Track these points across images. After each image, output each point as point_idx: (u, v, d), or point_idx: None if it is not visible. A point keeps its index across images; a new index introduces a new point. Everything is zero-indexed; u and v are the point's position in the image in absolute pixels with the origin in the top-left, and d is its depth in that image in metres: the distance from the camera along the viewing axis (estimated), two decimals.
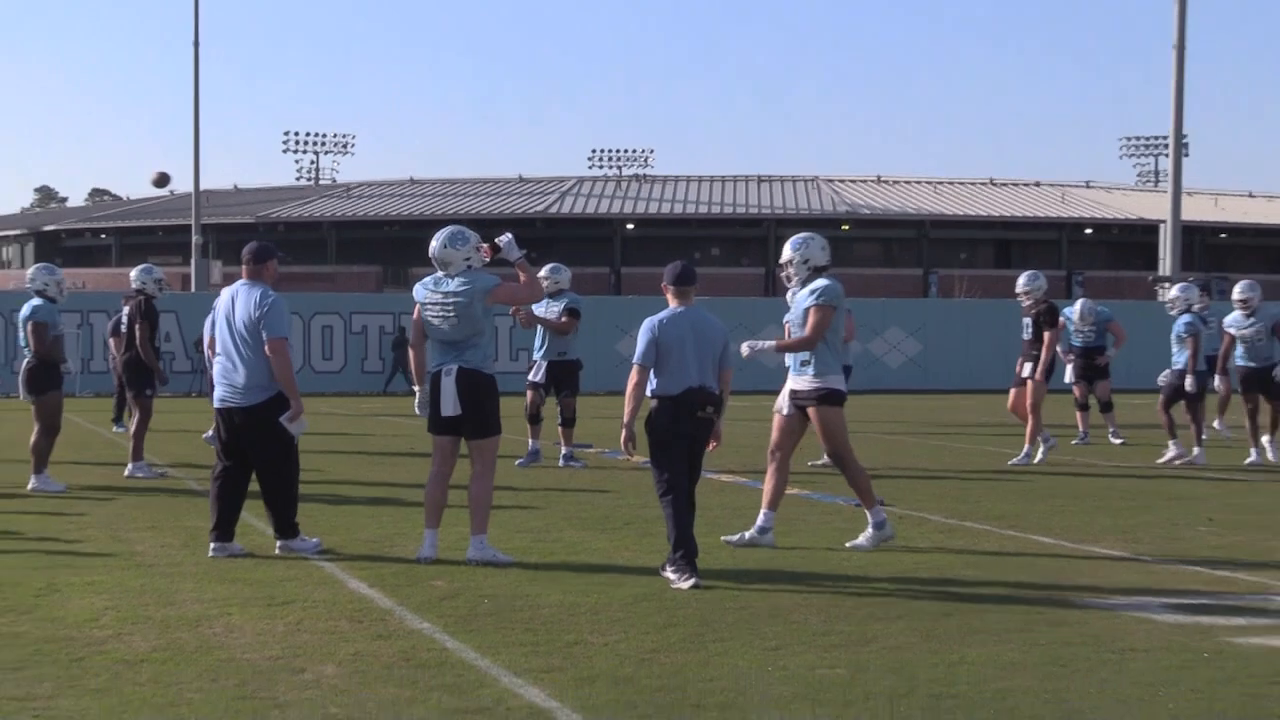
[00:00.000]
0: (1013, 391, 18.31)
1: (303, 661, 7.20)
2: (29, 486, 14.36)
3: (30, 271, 15.40)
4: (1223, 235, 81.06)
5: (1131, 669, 7.16)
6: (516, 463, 16.86)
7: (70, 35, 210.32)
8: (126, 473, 15.67)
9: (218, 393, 10.57)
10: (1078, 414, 21.48)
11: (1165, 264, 50.05)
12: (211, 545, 10.39)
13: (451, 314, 10.08)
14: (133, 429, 16.21)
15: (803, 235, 11.50)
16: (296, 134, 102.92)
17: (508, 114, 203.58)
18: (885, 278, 73.02)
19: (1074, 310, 21.40)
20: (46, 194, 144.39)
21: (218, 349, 10.62)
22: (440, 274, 10.28)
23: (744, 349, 11.03)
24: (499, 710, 6.32)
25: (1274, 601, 9.01)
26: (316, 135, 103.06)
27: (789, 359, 11.10)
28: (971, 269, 73.84)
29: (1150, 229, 67.50)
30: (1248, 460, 17.91)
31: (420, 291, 10.21)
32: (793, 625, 8.14)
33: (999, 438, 21.95)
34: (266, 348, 10.33)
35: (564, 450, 17.30)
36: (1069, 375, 21.10)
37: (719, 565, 10.12)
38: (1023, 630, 8.02)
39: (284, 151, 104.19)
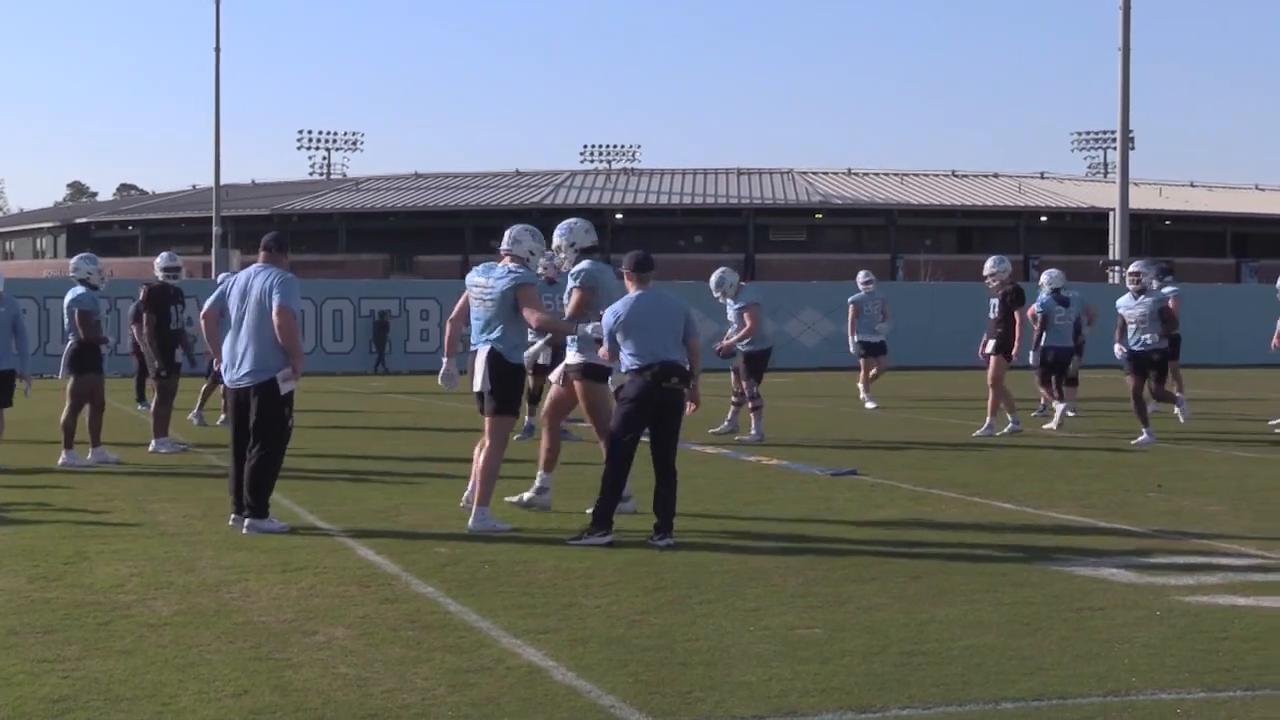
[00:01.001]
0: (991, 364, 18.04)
1: (315, 624, 7.13)
2: (59, 462, 14.26)
3: (74, 261, 15.45)
4: (1167, 222, 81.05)
5: (1090, 626, 7.11)
6: (515, 437, 16.72)
7: (100, 42, 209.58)
8: (151, 448, 15.56)
9: (229, 373, 10.42)
10: (1040, 388, 21.36)
11: (1115, 249, 50.05)
12: (232, 517, 10.27)
13: (489, 300, 10.31)
14: (152, 408, 16.11)
15: (569, 220, 11.44)
16: (309, 132, 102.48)
17: (505, 112, 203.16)
18: (855, 262, 72.57)
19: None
20: (78, 189, 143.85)
21: (231, 329, 10.42)
22: (495, 262, 10.62)
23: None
24: (499, 669, 6.25)
25: (1220, 562, 8.96)
26: (328, 133, 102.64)
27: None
28: (936, 254, 73.69)
29: (1100, 217, 67.44)
30: (1137, 440, 16.49)
31: (471, 275, 10.60)
32: (773, 588, 8.08)
33: (963, 411, 21.89)
34: (274, 313, 10.10)
35: (527, 420, 17.04)
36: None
37: (704, 533, 10.07)
38: (988, 591, 7.96)
39: (298, 148, 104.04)
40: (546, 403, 11.35)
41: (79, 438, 14.51)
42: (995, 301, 18.23)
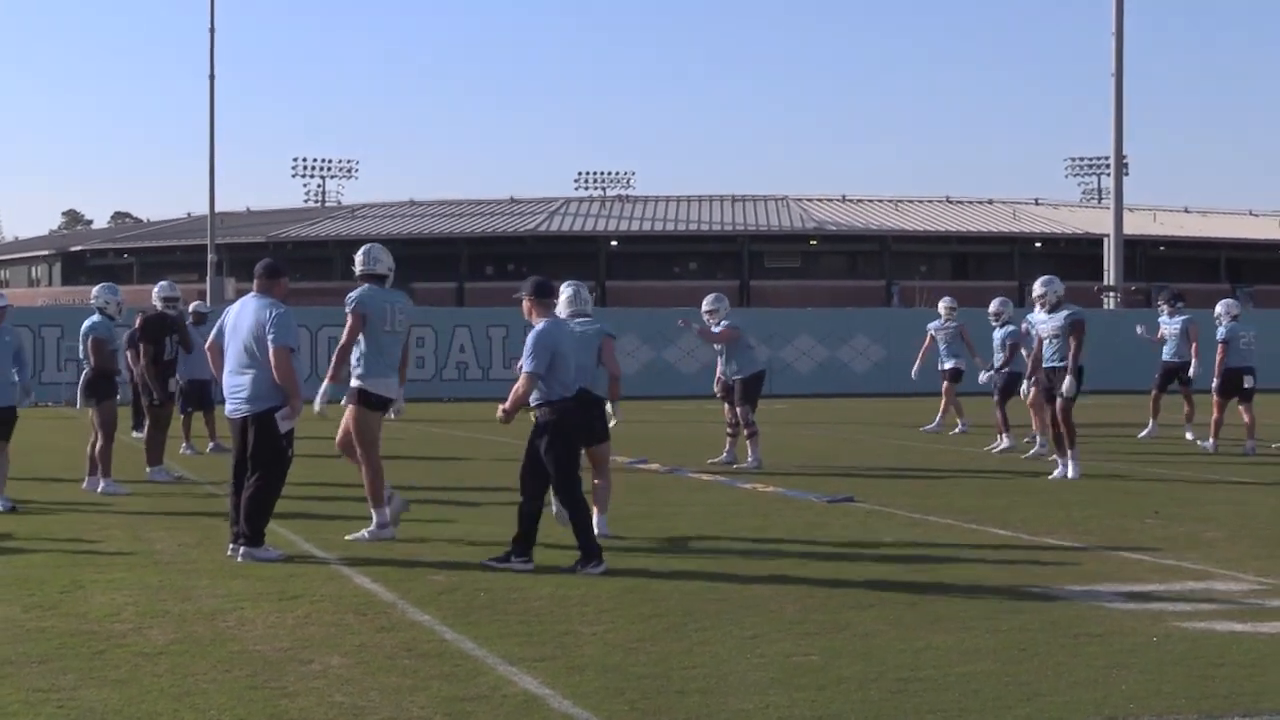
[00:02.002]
0: (1033, 390, 18.35)
1: (311, 653, 7.12)
2: (99, 489, 14.26)
3: (95, 290, 15.61)
4: (1162, 248, 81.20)
5: (1086, 653, 7.11)
6: None
7: (95, 70, 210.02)
8: (146, 476, 15.55)
9: (228, 405, 10.42)
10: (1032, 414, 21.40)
11: (1110, 274, 50.14)
12: (230, 546, 10.23)
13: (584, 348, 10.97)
14: (145, 435, 16.10)
15: (365, 246, 11.70)
16: (304, 160, 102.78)
17: (500, 140, 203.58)
18: (851, 289, 72.98)
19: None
20: (73, 217, 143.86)
21: (226, 359, 10.43)
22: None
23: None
24: (495, 697, 6.24)
25: (1216, 589, 8.95)
26: (323, 161, 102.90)
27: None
28: (931, 280, 73.79)
29: (1095, 242, 67.55)
30: (1030, 452, 17.89)
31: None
32: (769, 615, 8.07)
33: (959, 437, 21.91)
34: (271, 354, 10.14)
35: None
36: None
37: (700, 560, 10.07)
38: (984, 618, 7.96)
39: (293, 176, 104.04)
40: (339, 434, 11.42)
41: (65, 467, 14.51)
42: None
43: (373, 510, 11.10)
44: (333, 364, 11.31)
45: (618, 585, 9.01)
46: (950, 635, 7.50)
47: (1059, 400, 15.60)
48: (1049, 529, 11.60)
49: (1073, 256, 78.37)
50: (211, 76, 54.01)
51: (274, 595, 8.68)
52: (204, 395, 19.45)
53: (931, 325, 23.59)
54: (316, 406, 11.09)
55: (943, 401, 23.34)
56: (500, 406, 9.96)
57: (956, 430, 22.47)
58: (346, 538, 11.00)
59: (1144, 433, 21.22)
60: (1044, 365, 16.02)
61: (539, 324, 9.94)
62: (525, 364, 9.71)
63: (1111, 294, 49.22)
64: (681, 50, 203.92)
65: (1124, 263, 50.47)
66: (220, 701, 6.17)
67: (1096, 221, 75.87)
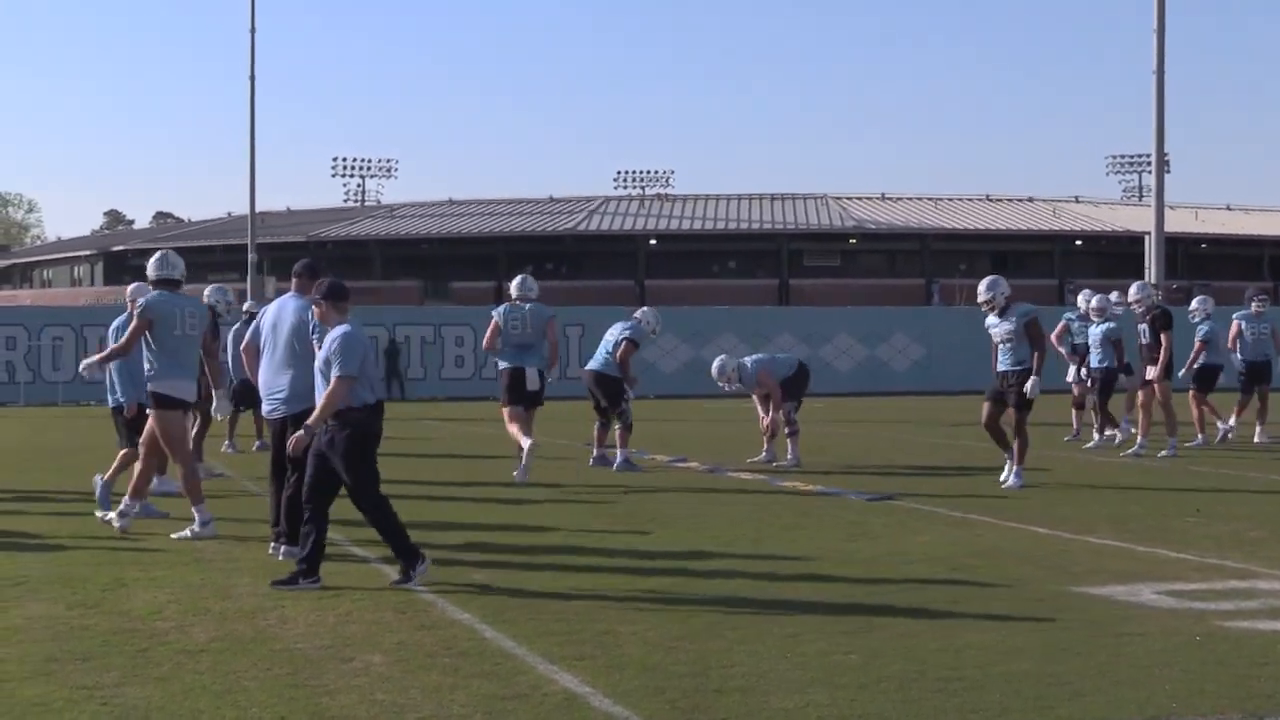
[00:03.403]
0: (1140, 392, 18.63)
1: (351, 651, 7.14)
2: (151, 487, 14.33)
3: (207, 291, 16.19)
4: (1203, 245, 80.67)
5: (1128, 652, 7.06)
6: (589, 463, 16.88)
7: (136, 72, 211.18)
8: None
9: (265, 405, 10.46)
10: (1073, 412, 21.31)
11: (1151, 273, 49.70)
12: (271, 545, 10.26)
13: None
14: (193, 433, 16.17)
15: (159, 252, 12.12)
16: (344, 159, 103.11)
17: (539, 139, 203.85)
18: (890, 287, 72.79)
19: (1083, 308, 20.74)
20: (115, 217, 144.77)
21: (264, 359, 10.46)
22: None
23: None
24: (535, 696, 6.25)
25: (1259, 588, 8.89)
26: (362, 160, 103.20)
27: None
28: (970, 278, 73.29)
29: (1136, 240, 67.06)
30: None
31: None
32: (809, 614, 8.05)
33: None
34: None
35: (595, 452, 17.16)
36: (1070, 375, 20.91)
37: (740, 559, 10.05)
38: (1026, 616, 7.92)
39: (333, 175, 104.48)
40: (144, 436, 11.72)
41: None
42: (1144, 327, 18.63)
43: (194, 509, 11.24)
44: (106, 353, 11.84)
45: (657, 584, 9.01)
46: (991, 634, 7.47)
47: (1017, 409, 14.70)
48: (1090, 527, 11.53)
49: (1113, 254, 77.90)
50: (252, 77, 54.22)
51: (314, 593, 8.71)
52: (256, 394, 19.53)
53: (1238, 314, 21.71)
54: (81, 367, 11.85)
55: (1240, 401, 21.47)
56: (301, 429, 9.28)
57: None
58: (171, 536, 11.11)
59: (1221, 434, 20.50)
60: (999, 370, 15.00)
61: (342, 326, 9.28)
62: (339, 368, 9.05)
63: (1154, 292, 48.89)
64: (721, 49, 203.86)
65: (1165, 261, 50.07)
66: (262, 699, 6.20)
67: (1137, 219, 75.43)
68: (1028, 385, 14.64)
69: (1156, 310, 18.72)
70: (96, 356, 11.89)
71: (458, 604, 8.36)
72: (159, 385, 11.29)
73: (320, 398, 9.21)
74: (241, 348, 10.87)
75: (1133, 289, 19.12)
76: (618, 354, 16.74)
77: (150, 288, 11.74)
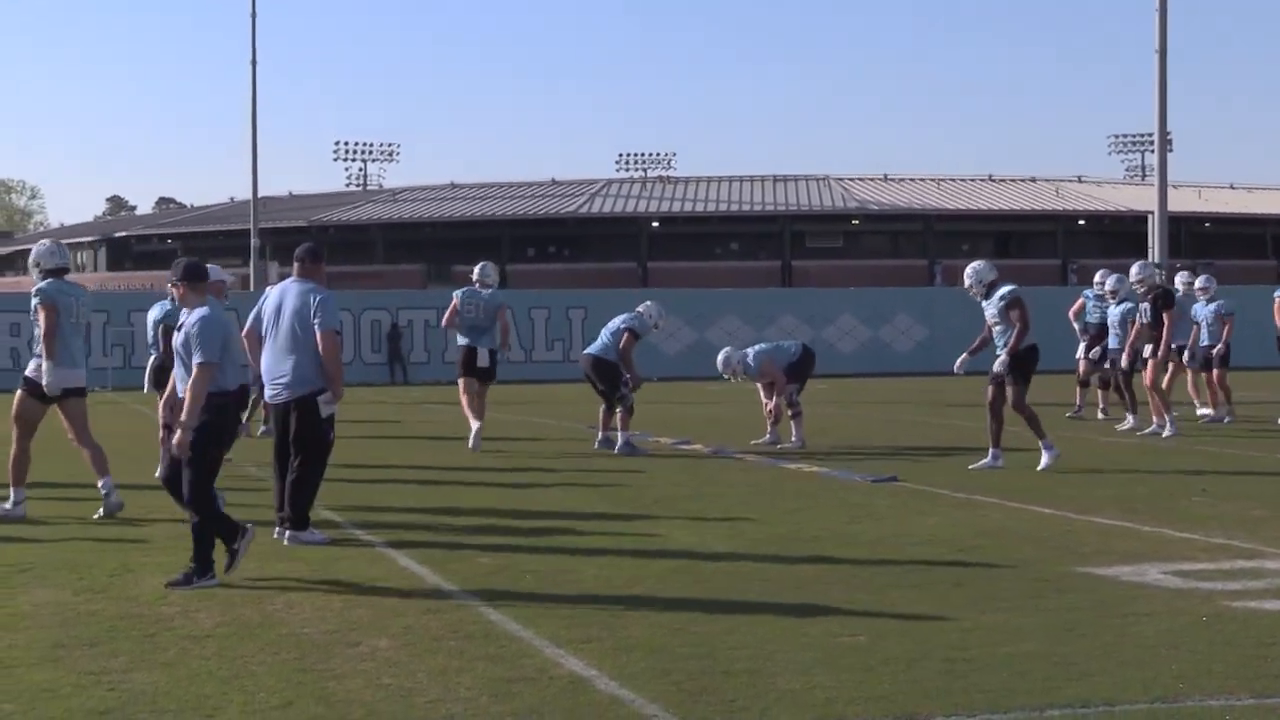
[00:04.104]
0: (1146, 370, 18.62)
1: (358, 635, 7.15)
2: (158, 475, 14.34)
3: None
4: (1207, 225, 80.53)
5: (1135, 633, 7.06)
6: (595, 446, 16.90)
7: (137, 57, 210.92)
8: None
9: (268, 390, 10.46)
10: (1077, 389, 21.30)
11: (1154, 252, 49.65)
12: (275, 530, 10.28)
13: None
14: None
15: (43, 243, 12.17)
16: (346, 143, 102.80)
17: (541, 122, 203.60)
18: (893, 268, 72.74)
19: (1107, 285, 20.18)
20: (117, 203, 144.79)
21: (266, 344, 10.45)
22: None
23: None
24: (542, 679, 6.25)
25: (1267, 567, 8.88)
26: (364, 144, 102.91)
27: None
28: (974, 259, 73.46)
29: (1139, 220, 66.88)
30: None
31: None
32: (815, 595, 8.05)
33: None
34: (319, 339, 10.17)
35: (600, 434, 17.17)
36: (1080, 351, 20.95)
37: (745, 541, 10.05)
38: (1031, 597, 7.92)
39: (335, 159, 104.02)
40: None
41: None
42: (1145, 306, 18.57)
43: (11, 489, 11.61)
44: (47, 350, 11.64)
45: (663, 567, 9.01)
46: (997, 615, 7.47)
47: (1011, 390, 14.51)
48: (1096, 507, 11.53)
49: (1116, 234, 77.83)
50: (253, 62, 54.22)
51: (320, 578, 8.72)
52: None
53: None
54: (45, 383, 11.65)
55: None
56: (177, 434, 8.89)
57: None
58: None
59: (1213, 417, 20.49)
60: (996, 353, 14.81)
61: (201, 310, 9.02)
62: (199, 354, 8.79)
63: (1156, 271, 48.85)
64: (722, 30, 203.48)
65: (1168, 240, 50.02)
66: (269, 684, 6.21)
67: (1140, 198, 75.34)
68: (996, 362, 14.59)
69: (1158, 290, 18.71)
70: (46, 362, 11.71)
71: (463, 587, 8.37)
72: (37, 372, 11.60)
73: (183, 388, 8.94)
74: (243, 334, 10.80)
75: (1134, 268, 19.01)
76: (621, 343, 16.76)
77: (40, 277, 11.86)
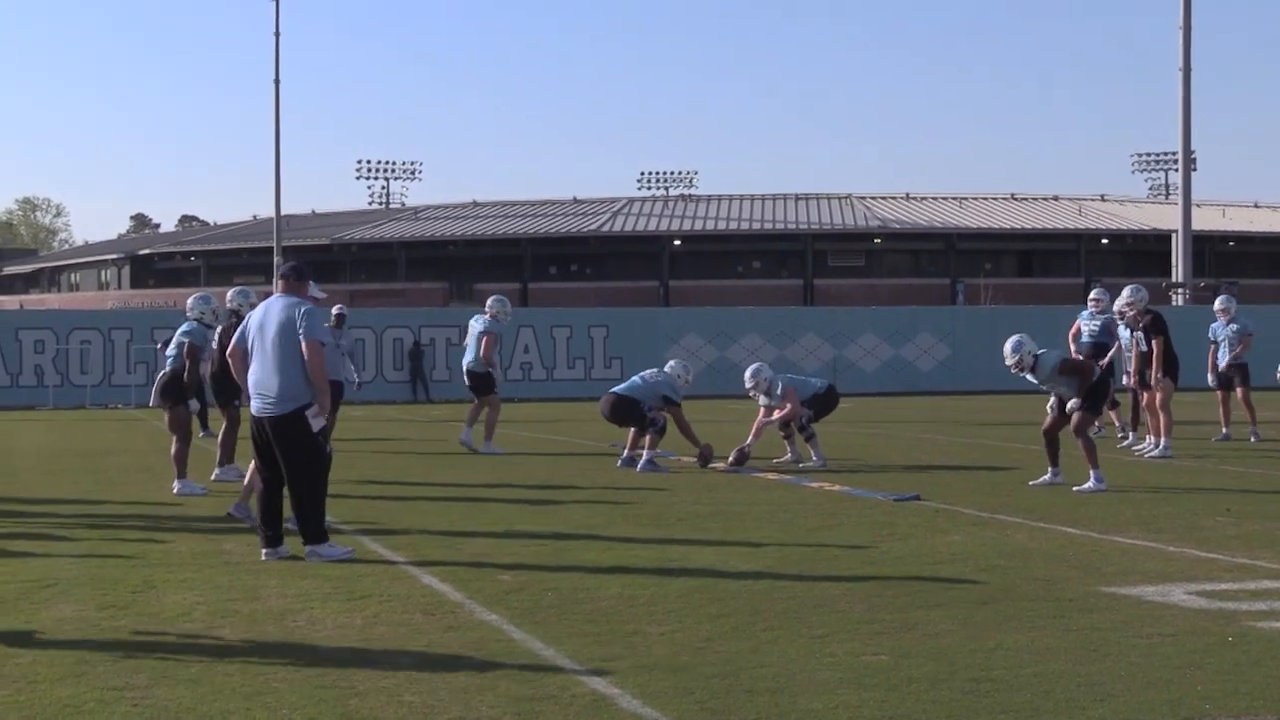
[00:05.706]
0: (1145, 395, 18.46)
1: (380, 652, 7.15)
2: (174, 490, 14.38)
3: (189, 302, 15.63)
4: (1231, 243, 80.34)
5: (1160, 653, 7.02)
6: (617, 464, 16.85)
7: (162, 77, 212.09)
8: (214, 476, 15.66)
9: (254, 404, 10.47)
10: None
11: (1178, 271, 49.61)
12: (264, 551, 10.26)
13: None
14: (220, 437, 16.22)
15: None
16: (368, 162, 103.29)
17: (563, 140, 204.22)
18: (915, 287, 72.73)
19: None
20: (141, 221, 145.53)
21: (253, 360, 10.48)
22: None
23: None
24: (564, 697, 6.24)
25: None
26: (387, 163, 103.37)
27: None
28: (996, 278, 73.36)
29: (1163, 238, 66.87)
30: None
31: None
32: (838, 614, 8.03)
33: (1025, 434, 21.71)
34: (304, 349, 10.16)
35: (625, 454, 17.14)
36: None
37: (767, 560, 10.03)
38: (1055, 617, 7.89)
39: (357, 178, 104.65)
40: None
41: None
42: (1139, 335, 18.29)
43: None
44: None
45: (685, 585, 8.99)
46: (1021, 635, 7.44)
47: (1078, 416, 14.41)
48: (1119, 527, 11.48)
49: (1140, 253, 77.74)
50: (276, 81, 54.50)
51: (342, 595, 8.72)
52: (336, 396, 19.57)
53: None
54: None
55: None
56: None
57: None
58: None
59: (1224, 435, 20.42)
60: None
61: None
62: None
63: (1180, 291, 48.71)
64: (744, 49, 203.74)
65: (1192, 259, 49.93)
66: (291, 700, 6.21)
67: (1164, 217, 75.16)
68: (1071, 402, 14.39)
69: (1148, 316, 18.22)
70: None
71: (485, 605, 8.36)
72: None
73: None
74: (228, 353, 10.84)
75: (1124, 292, 18.47)
76: (674, 417, 16.90)
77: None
